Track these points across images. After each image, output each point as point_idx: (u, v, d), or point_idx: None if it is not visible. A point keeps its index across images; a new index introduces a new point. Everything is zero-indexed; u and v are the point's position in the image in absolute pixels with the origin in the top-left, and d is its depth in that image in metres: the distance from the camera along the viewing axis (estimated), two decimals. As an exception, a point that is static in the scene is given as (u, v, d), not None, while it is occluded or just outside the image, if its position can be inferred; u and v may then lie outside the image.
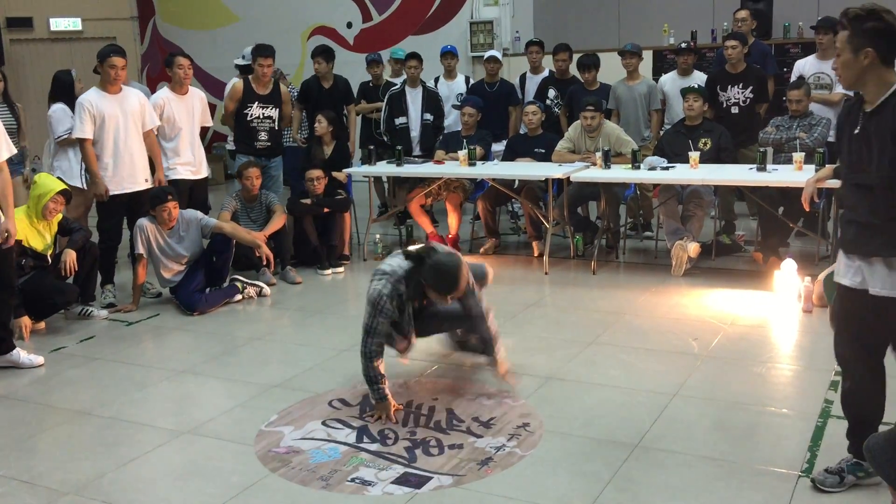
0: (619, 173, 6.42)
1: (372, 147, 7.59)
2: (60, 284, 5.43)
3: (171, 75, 6.44)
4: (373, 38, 11.16)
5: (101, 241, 5.96)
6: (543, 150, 7.10)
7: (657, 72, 9.17)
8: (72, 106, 6.43)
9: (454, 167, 6.96)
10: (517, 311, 5.47)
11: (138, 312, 5.83)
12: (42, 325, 5.49)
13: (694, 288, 5.83)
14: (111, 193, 5.84)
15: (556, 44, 7.95)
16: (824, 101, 6.80)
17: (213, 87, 12.22)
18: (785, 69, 8.11)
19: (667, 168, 6.29)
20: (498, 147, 7.68)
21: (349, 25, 11.50)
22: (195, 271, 5.89)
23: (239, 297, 6.03)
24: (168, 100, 6.35)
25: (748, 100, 6.99)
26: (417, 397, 4.12)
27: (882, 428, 2.93)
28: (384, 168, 7.35)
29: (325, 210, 6.78)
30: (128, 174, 5.91)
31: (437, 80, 8.39)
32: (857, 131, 2.86)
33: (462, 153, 6.87)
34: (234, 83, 7.22)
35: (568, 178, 6.44)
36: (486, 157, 7.30)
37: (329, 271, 6.71)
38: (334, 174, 7.07)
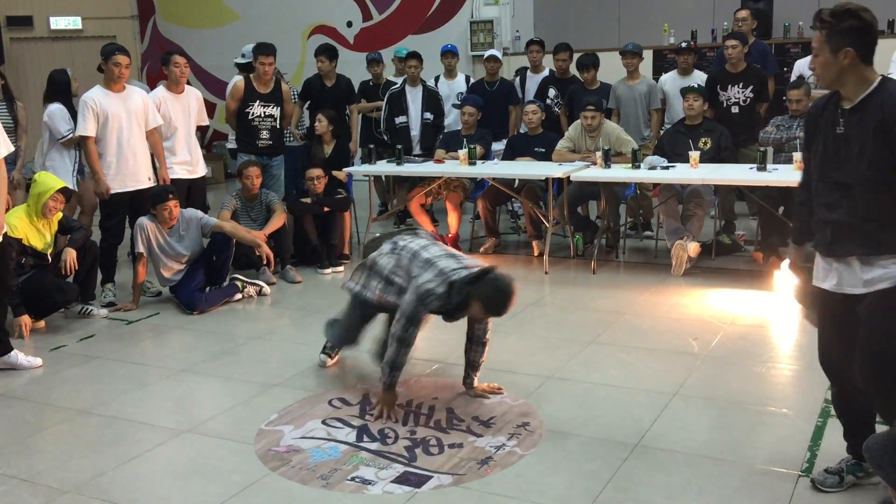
0: (620, 173, 6.43)
1: (372, 146, 7.60)
2: (60, 283, 5.43)
3: (168, 74, 6.43)
4: (373, 38, 11.16)
5: (103, 238, 5.96)
6: (543, 150, 7.10)
7: (657, 71, 9.17)
8: (68, 106, 6.43)
9: (454, 166, 6.96)
10: (517, 311, 5.45)
11: (138, 311, 5.83)
12: (42, 323, 5.49)
13: (694, 287, 5.84)
14: (114, 191, 5.85)
15: (557, 43, 7.95)
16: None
17: (213, 85, 12.23)
18: (785, 69, 8.12)
19: (667, 168, 6.29)
20: (498, 146, 7.69)
21: (349, 24, 11.50)
22: (195, 270, 5.89)
23: (239, 296, 6.03)
24: (164, 99, 6.33)
25: (748, 99, 6.99)
26: (417, 396, 4.12)
27: (879, 428, 2.93)
28: (384, 167, 7.36)
29: (326, 209, 6.78)
30: (131, 172, 5.91)
31: (437, 79, 8.39)
32: (839, 130, 2.82)
33: (462, 152, 6.87)
34: (236, 82, 7.21)
35: (568, 177, 6.44)
36: (487, 156, 7.30)
37: (329, 270, 6.71)
38: (334, 173, 7.07)
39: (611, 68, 7.91)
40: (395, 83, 8.17)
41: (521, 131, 7.71)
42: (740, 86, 7.00)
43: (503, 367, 4.40)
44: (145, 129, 6.00)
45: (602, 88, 7.51)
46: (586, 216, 7.46)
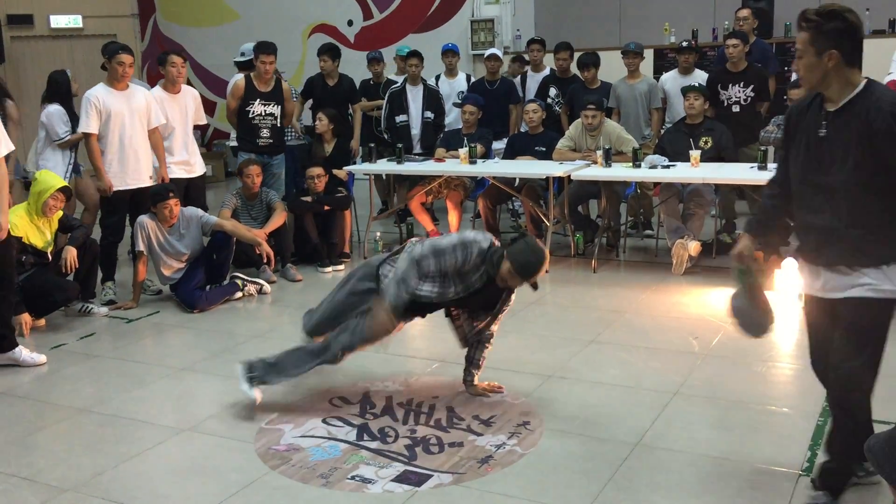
0: (620, 172, 6.42)
1: (372, 145, 7.59)
2: (61, 281, 5.43)
3: (164, 74, 6.43)
4: (373, 36, 11.16)
5: (104, 236, 5.97)
6: (544, 149, 7.10)
7: (658, 70, 9.17)
8: (67, 107, 6.43)
9: (455, 165, 6.95)
10: (518, 309, 5.45)
11: (138, 310, 5.83)
12: (42, 321, 5.49)
13: (694, 286, 5.83)
14: (115, 189, 5.85)
15: (558, 42, 7.95)
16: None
17: (213, 84, 12.24)
18: (786, 68, 8.11)
19: (667, 167, 6.29)
20: (499, 145, 7.69)
21: (350, 23, 11.49)
22: (195, 269, 5.89)
23: (239, 294, 6.02)
24: (161, 99, 6.31)
25: (749, 98, 6.98)
26: (418, 395, 4.12)
27: (877, 428, 2.93)
28: (385, 166, 7.35)
29: (326, 208, 6.78)
30: (132, 170, 5.92)
31: (438, 78, 8.39)
32: (822, 133, 2.76)
33: (463, 151, 6.87)
34: (237, 80, 7.21)
35: (569, 176, 6.43)
36: (487, 155, 7.30)
37: (329, 269, 6.71)
38: (335, 172, 7.07)
39: (611, 67, 7.91)
40: (396, 82, 8.17)
41: (522, 130, 7.71)
42: (741, 85, 6.99)
43: (504, 366, 4.39)
44: (147, 128, 6.00)
45: (603, 87, 7.50)
46: (587, 215, 7.46)
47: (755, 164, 6.06)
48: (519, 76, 8.38)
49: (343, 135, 7.63)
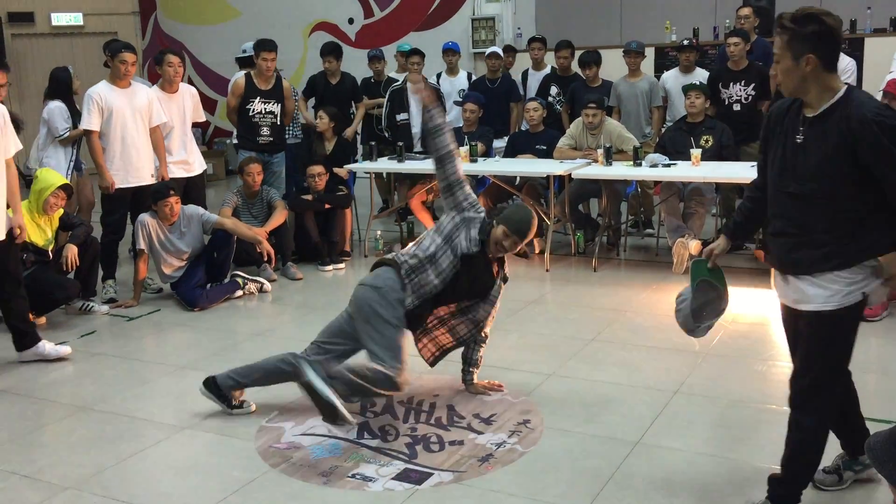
0: (621, 170, 6.42)
1: (373, 143, 7.59)
2: (61, 279, 5.43)
3: (162, 73, 6.41)
4: (374, 35, 11.16)
5: (104, 234, 5.98)
6: (545, 147, 7.10)
7: (659, 69, 9.16)
8: (69, 104, 6.43)
9: (455, 163, 6.94)
10: (518, 308, 5.47)
11: (139, 308, 5.83)
12: (43, 320, 5.49)
13: (695, 285, 5.82)
14: (116, 187, 5.85)
15: (559, 40, 7.95)
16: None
17: (214, 82, 12.24)
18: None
19: (668, 165, 6.29)
20: (499, 143, 7.68)
21: (350, 21, 11.50)
22: (196, 267, 5.89)
23: (240, 292, 6.03)
24: (158, 98, 6.32)
25: (750, 97, 6.98)
26: (418, 394, 4.12)
27: (877, 427, 2.93)
28: (385, 164, 7.35)
29: (327, 206, 6.78)
30: (133, 168, 5.93)
31: (438, 76, 8.39)
32: (798, 139, 2.68)
33: (463, 149, 6.86)
34: (237, 78, 7.21)
35: (569, 174, 6.43)
36: (488, 153, 7.31)
37: (330, 267, 6.71)
38: (335, 170, 7.07)
39: (612, 66, 7.90)
40: (397, 80, 8.17)
41: (523, 129, 7.71)
42: (742, 83, 6.98)
43: (504, 365, 4.40)
44: (149, 127, 6.00)
45: (604, 86, 7.50)
46: (587, 214, 7.46)
47: (756, 163, 6.05)
48: (521, 74, 8.38)
49: (343, 131, 7.63)
